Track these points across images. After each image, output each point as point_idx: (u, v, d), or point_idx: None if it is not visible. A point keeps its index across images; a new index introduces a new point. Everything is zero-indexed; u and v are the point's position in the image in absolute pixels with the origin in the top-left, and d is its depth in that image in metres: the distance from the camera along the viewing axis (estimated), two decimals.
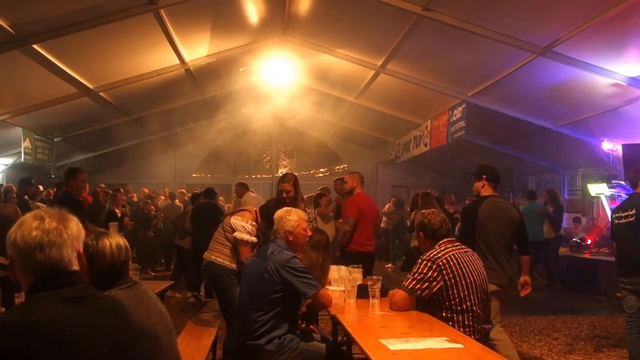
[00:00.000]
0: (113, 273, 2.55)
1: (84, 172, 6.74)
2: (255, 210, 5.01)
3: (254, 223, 4.84)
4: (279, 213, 3.93)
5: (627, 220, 5.13)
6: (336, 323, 3.75)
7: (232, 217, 4.94)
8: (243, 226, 4.78)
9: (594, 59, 8.22)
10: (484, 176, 5.33)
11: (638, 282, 5.05)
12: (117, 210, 9.93)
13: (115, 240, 2.61)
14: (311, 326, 4.30)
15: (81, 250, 1.80)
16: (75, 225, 1.78)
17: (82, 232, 1.82)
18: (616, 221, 5.31)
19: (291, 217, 3.87)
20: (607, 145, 10.85)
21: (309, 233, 3.99)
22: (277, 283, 3.58)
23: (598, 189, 11.07)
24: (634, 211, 5.07)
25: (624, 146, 10.10)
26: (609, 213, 9.35)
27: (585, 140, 11.29)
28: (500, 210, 5.14)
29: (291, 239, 3.83)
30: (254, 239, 4.77)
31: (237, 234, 4.76)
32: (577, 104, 10.02)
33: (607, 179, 10.61)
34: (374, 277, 4.08)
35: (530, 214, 10.09)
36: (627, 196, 5.60)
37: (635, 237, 5.03)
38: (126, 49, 9.61)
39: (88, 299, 1.72)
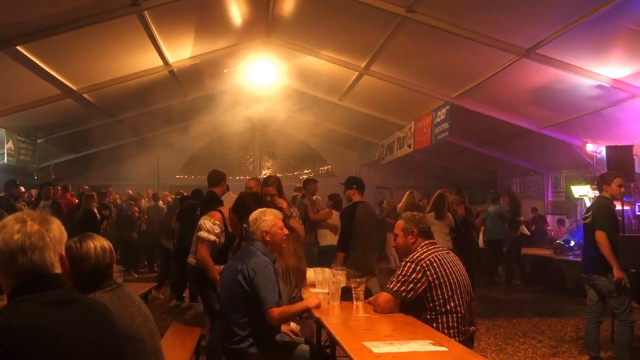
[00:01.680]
0: (97, 276, 2.52)
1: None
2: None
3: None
4: (253, 215, 3.90)
5: (586, 221, 5.60)
6: (320, 326, 3.73)
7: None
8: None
9: (577, 61, 8.30)
10: (354, 186, 6.36)
11: (594, 278, 5.50)
12: (95, 210, 9.85)
13: (99, 243, 2.57)
14: (293, 329, 4.26)
15: (63, 252, 1.78)
16: (57, 228, 1.75)
17: (64, 235, 1.79)
18: (582, 222, 5.96)
19: (266, 217, 3.84)
20: (590, 147, 10.95)
21: (286, 232, 3.97)
22: (248, 286, 3.55)
23: (581, 191, 11.19)
24: (590, 212, 5.56)
25: (608, 148, 10.20)
26: None
27: (569, 142, 11.39)
28: (370, 214, 6.53)
29: (268, 238, 3.81)
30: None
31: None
32: (561, 105, 10.10)
33: (591, 181, 10.70)
34: (358, 279, 4.06)
35: (490, 215, 11.35)
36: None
37: (592, 237, 5.46)
38: (110, 51, 9.55)
39: (71, 303, 1.70)
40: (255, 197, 5.19)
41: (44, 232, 1.70)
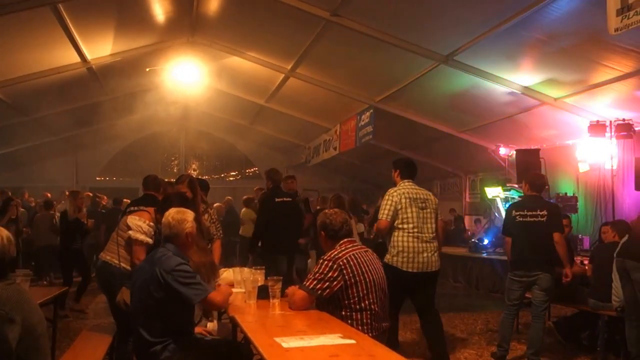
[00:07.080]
0: (1, 267, 2.45)
1: None
2: (154, 209, 4.85)
3: (151, 224, 4.66)
4: (177, 215, 3.76)
5: (536, 219, 5.48)
6: (235, 324, 3.72)
7: (129, 217, 4.76)
8: (139, 226, 4.60)
9: (491, 69, 8.68)
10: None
11: (529, 276, 5.49)
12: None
13: (5, 233, 2.49)
14: (204, 329, 4.19)
15: None
16: None
17: None
18: (520, 219, 5.61)
19: (188, 218, 3.76)
20: (503, 151, 11.49)
21: None
22: (163, 288, 3.45)
23: (494, 192, 11.69)
24: (545, 212, 5.47)
25: (518, 151, 10.76)
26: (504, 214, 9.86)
27: (484, 146, 11.89)
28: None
29: (190, 240, 3.75)
30: (150, 240, 4.58)
31: (131, 233, 4.59)
32: (477, 111, 10.52)
33: (503, 183, 11.22)
34: (275, 277, 4.08)
35: None
36: (526, 197, 5.90)
37: (539, 236, 5.44)
38: (21, 45, 9.08)
39: None
40: (182, 197, 5.05)
41: None
